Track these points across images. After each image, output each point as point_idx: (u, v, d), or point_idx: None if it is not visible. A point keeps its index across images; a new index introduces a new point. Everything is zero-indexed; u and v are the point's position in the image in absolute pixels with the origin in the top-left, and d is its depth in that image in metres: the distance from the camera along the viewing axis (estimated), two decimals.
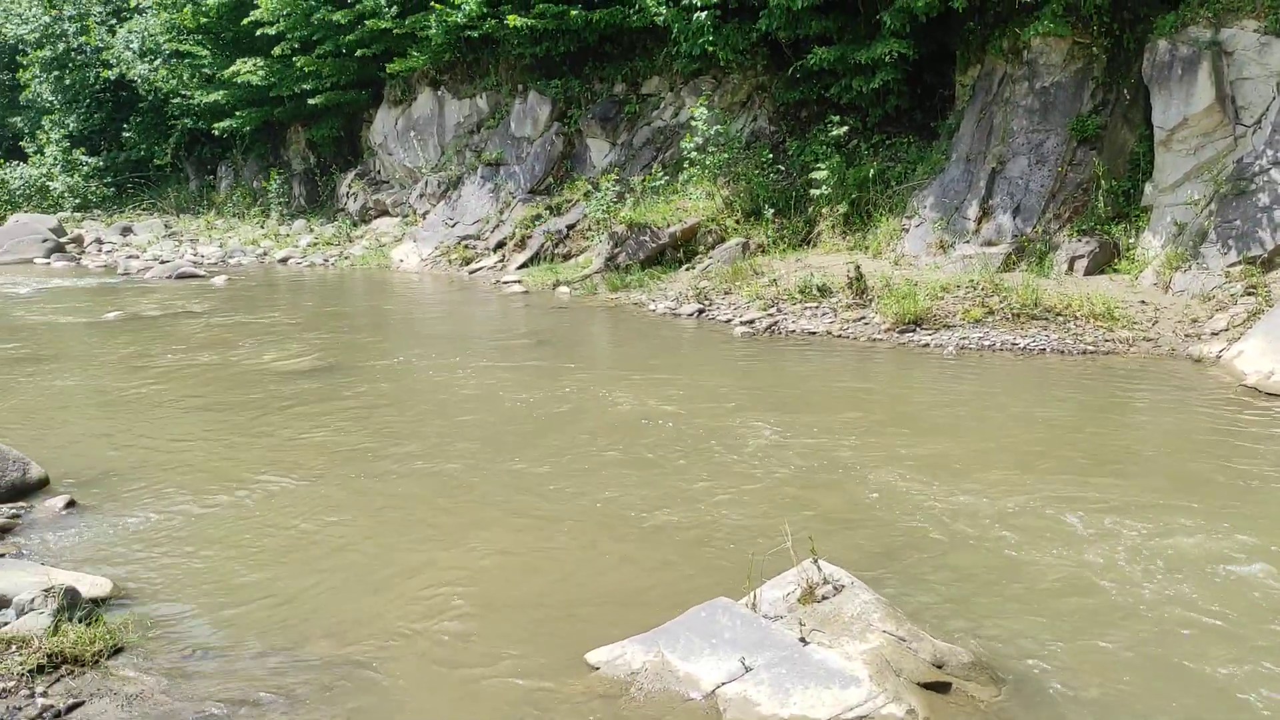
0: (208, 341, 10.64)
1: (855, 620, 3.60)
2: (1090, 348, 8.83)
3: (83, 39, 26.05)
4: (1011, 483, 5.52)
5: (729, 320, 11.03)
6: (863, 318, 10.22)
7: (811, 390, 7.96)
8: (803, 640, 3.47)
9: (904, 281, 10.43)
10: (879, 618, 3.60)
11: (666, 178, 15.08)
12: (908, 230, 11.79)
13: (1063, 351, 8.83)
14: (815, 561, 3.87)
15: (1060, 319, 9.27)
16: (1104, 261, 10.09)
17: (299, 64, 19.63)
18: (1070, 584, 4.26)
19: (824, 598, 3.74)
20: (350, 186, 21.52)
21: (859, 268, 10.70)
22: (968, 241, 11.05)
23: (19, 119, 29.09)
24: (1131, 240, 10.03)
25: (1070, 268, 10.09)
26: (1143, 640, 3.79)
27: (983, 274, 10.13)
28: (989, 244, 10.85)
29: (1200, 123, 9.34)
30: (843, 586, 3.80)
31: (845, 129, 13.06)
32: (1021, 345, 9.02)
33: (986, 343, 9.17)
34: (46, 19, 26.34)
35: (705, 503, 5.33)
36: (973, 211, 11.13)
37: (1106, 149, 10.52)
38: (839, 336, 9.98)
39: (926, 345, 9.36)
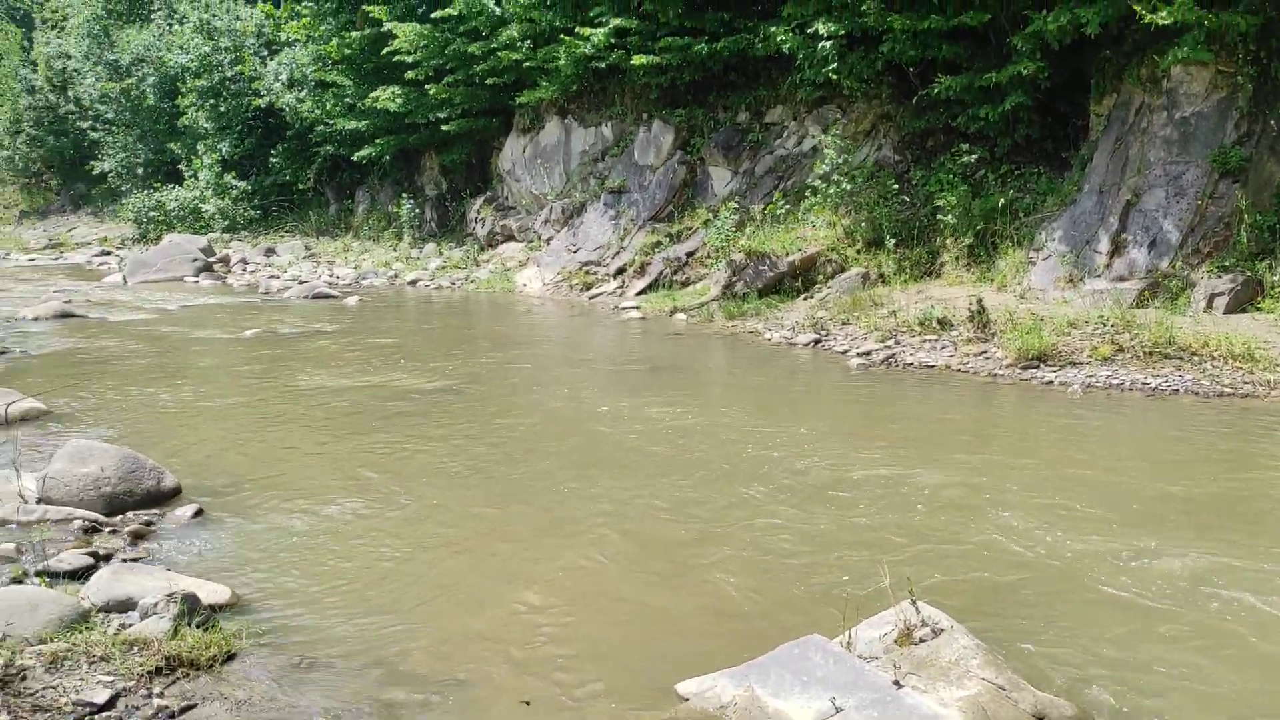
0: (337, 360, 11.08)
1: (953, 666, 3.51)
2: (1228, 389, 8.41)
3: (237, 69, 27.53)
4: (1135, 532, 5.29)
5: (845, 351, 10.90)
6: (984, 352, 9.96)
7: (927, 426, 7.79)
8: (897, 683, 3.41)
9: (1029, 316, 10.13)
10: (978, 664, 3.51)
11: (787, 206, 15.03)
12: (1035, 263, 11.45)
13: (1197, 393, 8.42)
14: (913, 602, 3.80)
15: (1196, 359, 8.85)
16: (1246, 299, 9.60)
17: (433, 92, 20.33)
18: (1195, 647, 4.05)
19: (921, 640, 3.67)
20: (479, 212, 22.11)
21: (981, 301, 10.44)
22: (1098, 276, 10.66)
23: (177, 144, 30.88)
24: (1276, 278, 9.51)
25: (1209, 305, 9.63)
26: (1268, 713, 3.59)
27: (1113, 310, 9.75)
28: (1121, 279, 10.44)
29: None
30: (941, 630, 3.71)
31: (974, 157, 12.80)
32: (1153, 385, 8.64)
33: (1115, 382, 8.83)
34: (206, 49, 27.94)
35: (807, 537, 5.28)
36: (1104, 245, 10.75)
37: (1251, 182, 10.02)
38: (958, 370, 9.75)
39: (1050, 383, 9.06)
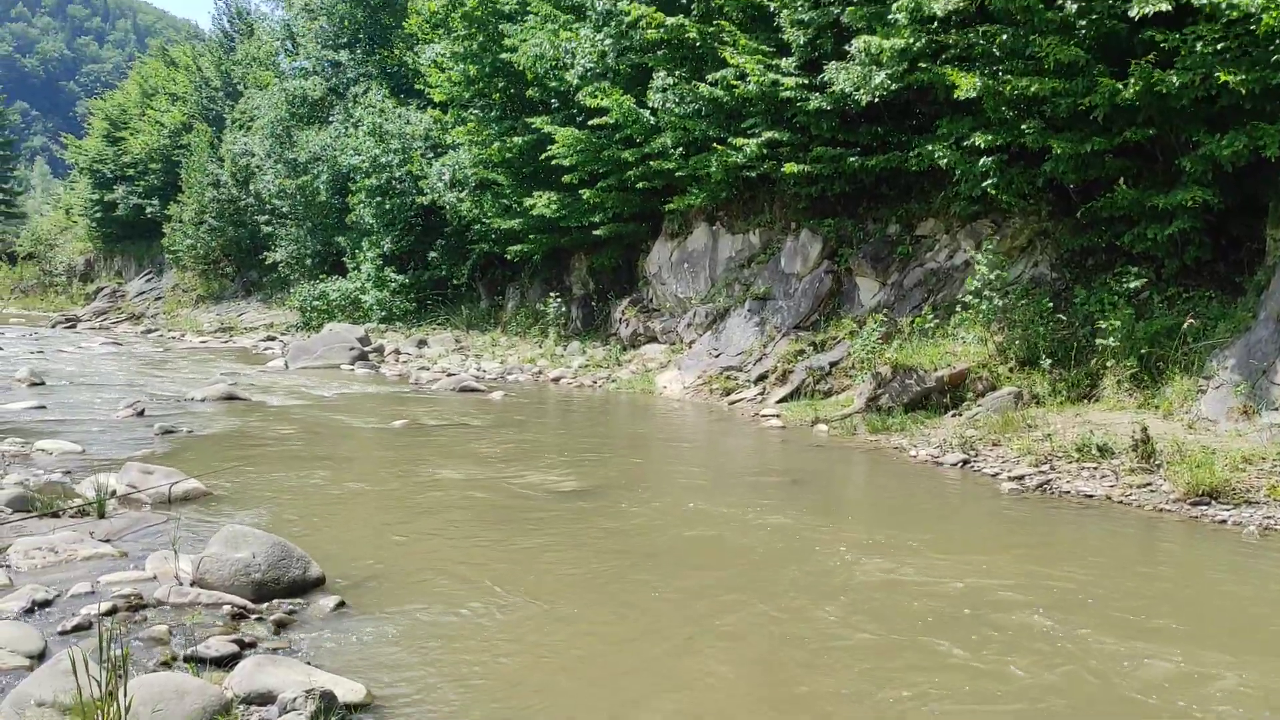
0: (479, 456, 11.27)
1: None
2: None
3: (405, 169, 29.07)
4: None
5: (996, 474, 10.45)
6: (1149, 484, 9.39)
7: (1090, 565, 7.33)
8: None
9: (1198, 448, 9.52)
10: None
11: (936, 320, 14.72)
12: (1204, 391, 10.82)
13: None
14: None
15: None
16: None
17: (586, 196, 20.94)
18: None
19: None
20: (623, 313, 22.47)
21: (1146, 429, 9.89)
22: (1276, 409, 9.98)
23: (343, 238, 32.66)
24: None
25: None
26: None
27: None
28: None
29: None
30: None
31: (1141, 281, 12.31)
32: None
33: None
34: (376, 151, 29.66)
35: (941, 693, 4.98)
36: None
37: None
38: (1120, 503, 9.20)
39: (1223, 522, 8.44)
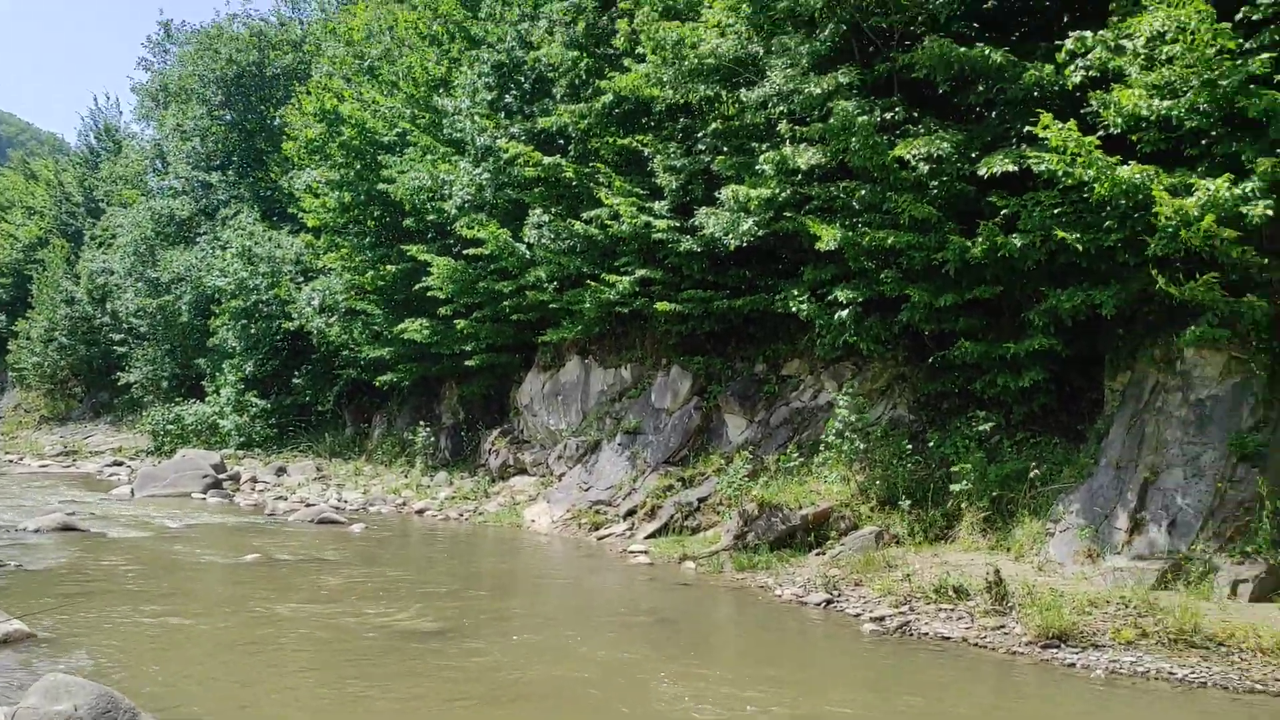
0: (333, 592, 10.78)
1: None
2: (1258, 686, 8.00)
3: (273, 293, 28.52)
4: None
5: (858, 614, 10.54)
6: (1002, 626, 9.61)
7: (939, 712, 7.39)
8: None
9: (1048, 591, 9.83)
10: None
11: (801, 459, 15.01)
12: (1052, 534, 11.25)
13: (1226, 687, 8.01)
14: None
15: (1223, 649, 8.49)
16: (1271, 588, 9.31)
17: (460, 327, 20.87)
18: None
19: None
20: (494, 443, 22.20)
21: (999, 571, 10.17)
22: (1118, 553, 10.43)
23: (204, 361, 31.61)
24: None
25: (1233, 592, 9.34)
26: None
27: (1134, 590, 9.47)
28: (1141, 558, 10.20)
29: None
30: None
31: (989, 425, 12.85)
32: (1180, 676, 8.24)
33: (1140, 669, 8.43)
34: (244, 274, 29.07)
35: None
36: (1123, 522, 10.57)
37: (1271, 468, 9.95)
38: (975, 645, 9.37)
39: (1072, 665, 8.67)
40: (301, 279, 28.20)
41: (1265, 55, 9.28)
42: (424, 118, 22.81)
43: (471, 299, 20.87)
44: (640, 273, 16.97)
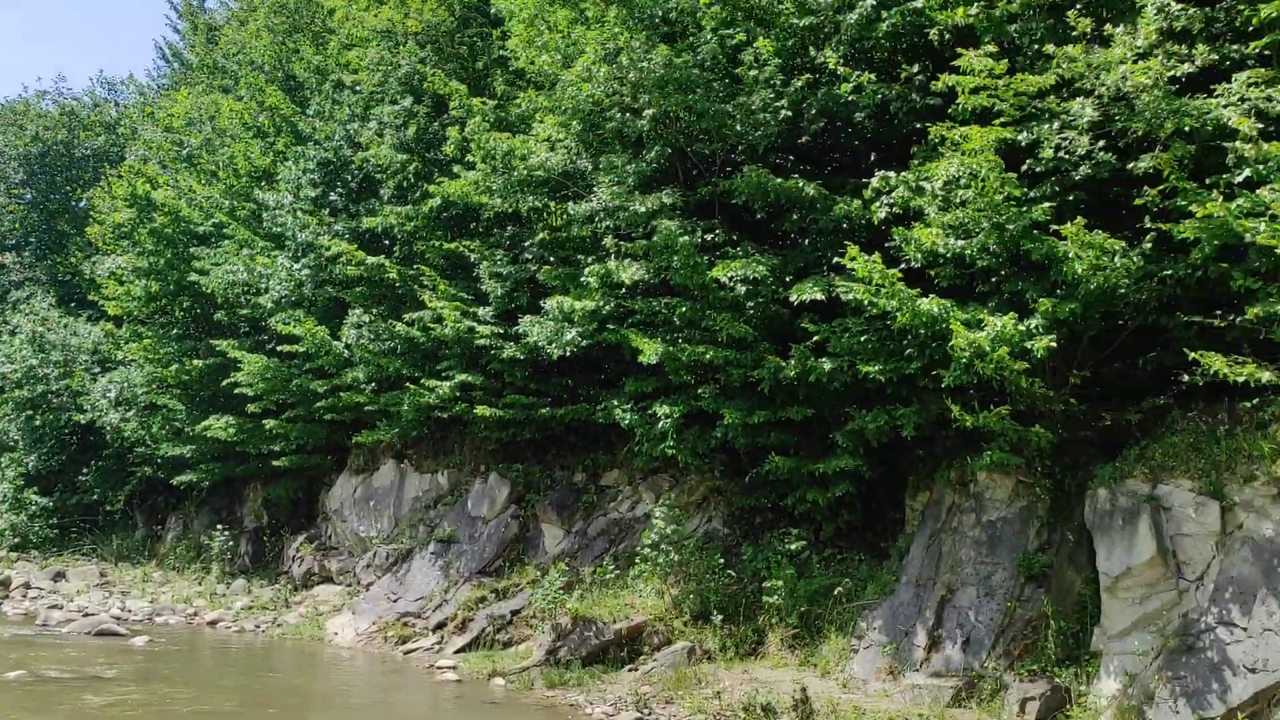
0: (98, 715, 9.85)
1: None
2: None
3: (64, 383, 26.60)
4: None
5: None
6: None
7: None
8: None
9: (851, 708, 10.00)
10: None
11: (617, 571, 14.91)
12: (857, 651, 11.50)
13: None
14: None
15: None
16: (1056, 706, 9.75)
17: (270, 426, 19.96)
18: None
19: None
20: (298, 549, 21.14)
21: (805, 690, 10.28)
22: (917, 670, 10.73)
23: None
24: (1083, 686, 9.75)
25: (1021, 709, 9.71)
26: None
27: (931, 708, 9.75)
28: (938, 675, 10.53)
29: (1144, 574, 9.42)
30: None
31: (800, 543, 13.15)
32: None
33: None
34: (33, 362, 27.05)
35: None
36: (921, 639, 10.93)
37: (1054, 589, 10.54)
38: None
39: None
40: (98, 369, 26.46)
41: (1046, 204, 10.13)
42: (243, 210, 22.11)
43: (283, 397, 20.06)
44: (462, 377, 16.75)
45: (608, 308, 14.01)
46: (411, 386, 17.23)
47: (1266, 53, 9.81)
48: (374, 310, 18.43)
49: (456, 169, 16.44)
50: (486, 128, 15.55)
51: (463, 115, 16.51)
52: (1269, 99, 9.20)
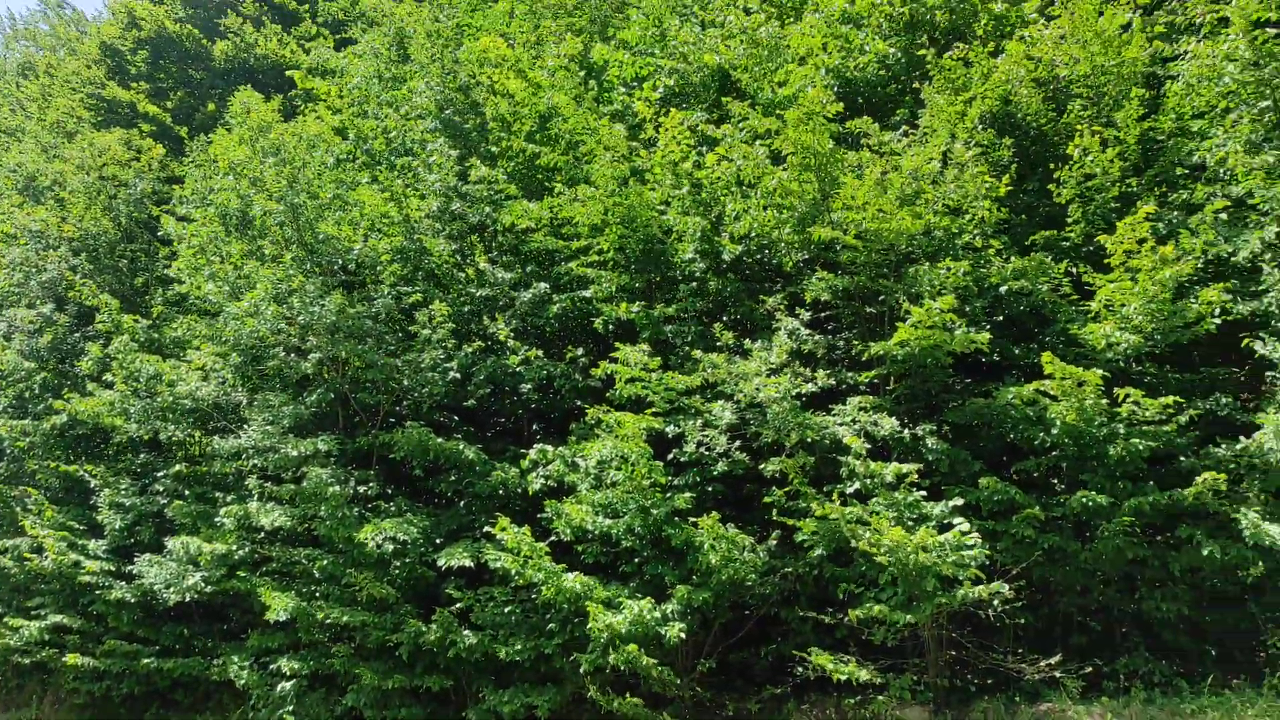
0: None
1: None
2: None
3: None
4: None
5: None
6: None
7: None
8: None
9: None
10: None
11: None
12: None
13: None
14: None
15: None
16: None
17: None
18: None
19: None
20: None
21: None
22: None
23: None
24: None
25: None
26: None
27: None
28: None
29: None
30: None
31: None
32: None
33: None
34: None
35: None
36: None
37: None
38: None
39: None
40: None
41: (688, 494, 10.77)
42: None
43: None
44: (56, 618, 14.68)
45: (242, 552, 13.02)
46: None
47: (875, 382, 11.32)
48: None
49: (92, 386, 15.11)
50: (134, 347, 14.56)
51: (110, 329, 15.40)
52: (875, 423, 10.50)
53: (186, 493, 14.66)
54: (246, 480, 13.41)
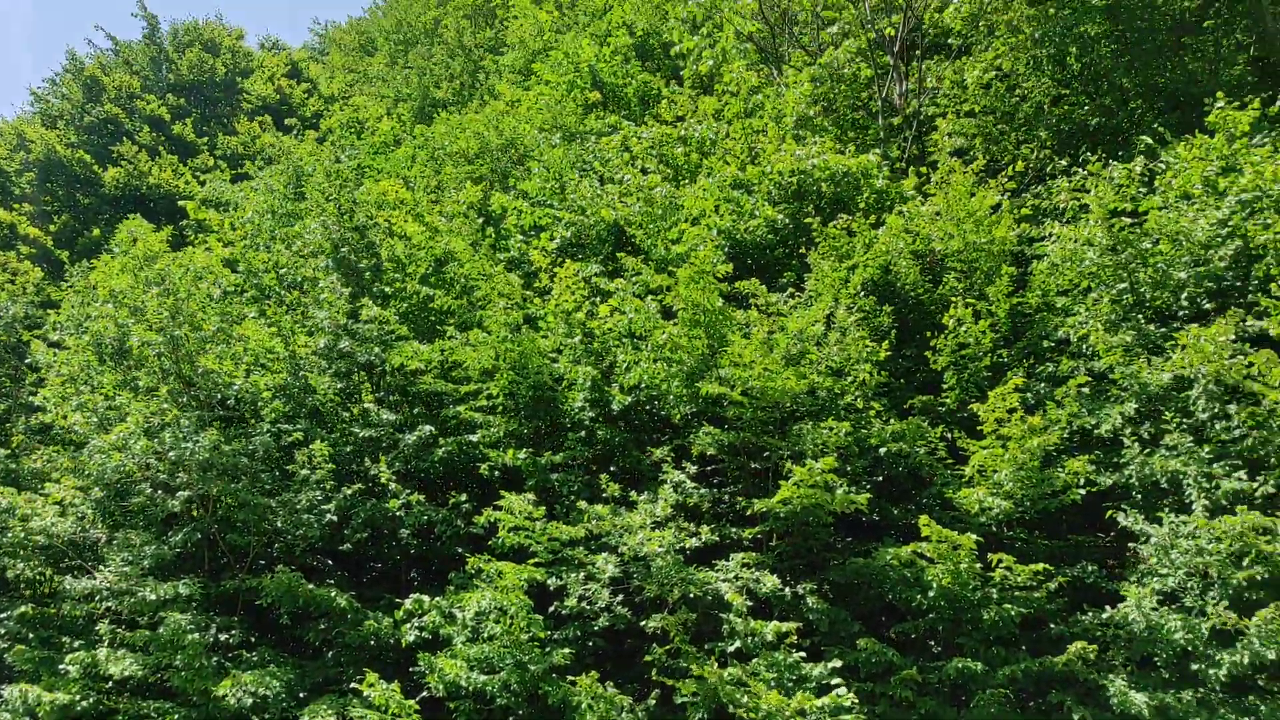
0: None
1: None
2: None
3: None
4: None
5: None
6: None
7: None
8: None
9: None
10: None
11: None
12: None
13: None
14: None
15: None
16: None
17: None
18: None
19: None
20: None
21: None
22: None
23: None
24: None
25: None
26: None
27: None
28: None
29: None
30: None
31: None
32: None
33: None
34: None
35: None
36: None
37: None
38: None
39: None
40: None
41: (567, 650, 10.49)
42: None
43: None
44: None
45: (85, 704, 12.07)
46: None
47: (759, 538, 11.36)
48: None
49: None
50: None
51: None
52: (757, 580, 10.48)
53: (31, 636, 13.62)
54: (98, 625, 12.56)
